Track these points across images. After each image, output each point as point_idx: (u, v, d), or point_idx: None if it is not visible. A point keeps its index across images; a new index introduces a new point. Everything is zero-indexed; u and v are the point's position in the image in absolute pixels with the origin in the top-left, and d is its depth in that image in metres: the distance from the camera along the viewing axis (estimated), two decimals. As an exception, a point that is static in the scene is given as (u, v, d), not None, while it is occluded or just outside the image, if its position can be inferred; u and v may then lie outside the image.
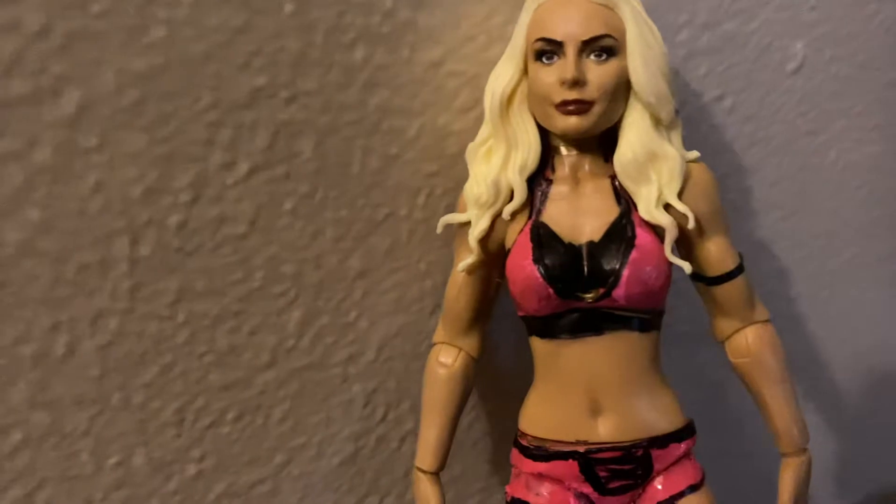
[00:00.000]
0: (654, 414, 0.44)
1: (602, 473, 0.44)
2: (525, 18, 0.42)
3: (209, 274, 0.43)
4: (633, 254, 0.41)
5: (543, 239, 0.42)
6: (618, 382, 0.43)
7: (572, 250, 0.42)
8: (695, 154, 0.44)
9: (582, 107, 0.41)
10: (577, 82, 0.40)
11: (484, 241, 0.44)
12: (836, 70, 0.58)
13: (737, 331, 0.46)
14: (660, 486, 0.45)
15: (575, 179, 0.43)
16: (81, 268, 0.40)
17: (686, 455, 0.45)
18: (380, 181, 0.46)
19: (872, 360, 0.71)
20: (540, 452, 0.45)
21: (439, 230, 0.45)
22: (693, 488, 0.45)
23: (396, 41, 0.43)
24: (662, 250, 0.42)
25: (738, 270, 0.45)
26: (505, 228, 0.44)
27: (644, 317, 0.43)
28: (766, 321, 0.46)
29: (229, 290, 0.44)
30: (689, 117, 0.52)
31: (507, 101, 0.43)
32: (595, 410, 0.43)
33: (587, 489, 0.44)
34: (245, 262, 0.44)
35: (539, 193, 0.44)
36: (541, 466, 0.45)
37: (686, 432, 0.45)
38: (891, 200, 0.65)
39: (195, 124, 0.40)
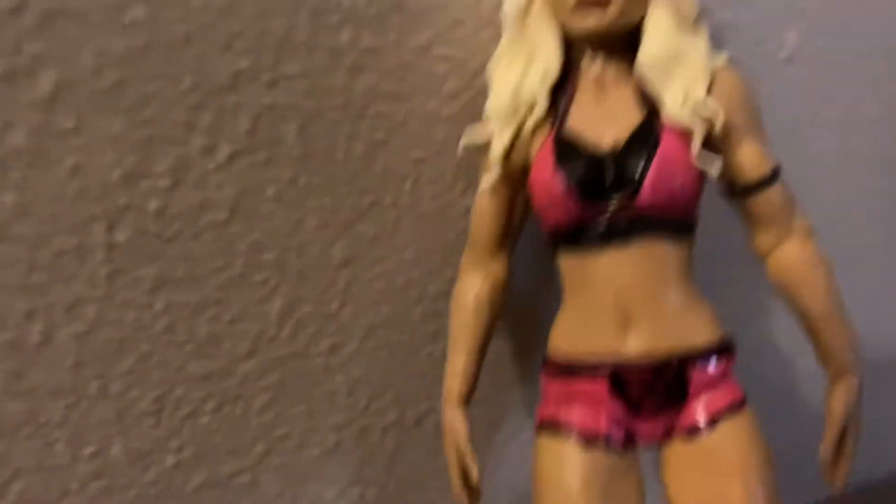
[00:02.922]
0: (687, 327, 0.42)
1: (634, 391, 0.42)
2: None
3: (189, 261, 0.42)
4: (657, 158, 0.39)
5: (565, 149, 0.41)
6: (648, 293, 0.41)
7: (595, 158, 0.40)
8: (723, 57, 0.42)
9: (599, 2, 0.39)
10: None
11: (507, 157, 0.42)
12: (830, 59, 0.57)
13: (778, 245, 0.44)
14: (697, 409, 0.42)
15: (599, 87, 0.42)
16: (58, 254, 0.39)
17: (724, 375, 0.43)
18: (365, 168, 0.45)
19: (871, 353, 0.70)
20: (569, 371, 0.43)
21: (460, 152, 0.44)
22: (733, 408, 0.42)
23: (383, 24, 0.42)
24: (689, 154, 0.40)
25: (775, 176, 0.42)
26: (528, 144, 0.42)
27: (672, 225, 0.41)
28: (809, 233, 0.44)
29: (210, 278, 0.43)
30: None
31: (526, 9, 0.42)
32: (626, 324, 0.41)
33: (619, 409, 0.42)
34: (226, 249, 0.43)
35: (562, 104, 0.42)
36: (571, 386, 0.43)
37: (723, 348, 0.43)
38: (887, 192, 0.64)
39: (176, 107, 0.39)
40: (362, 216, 0.46)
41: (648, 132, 0.40)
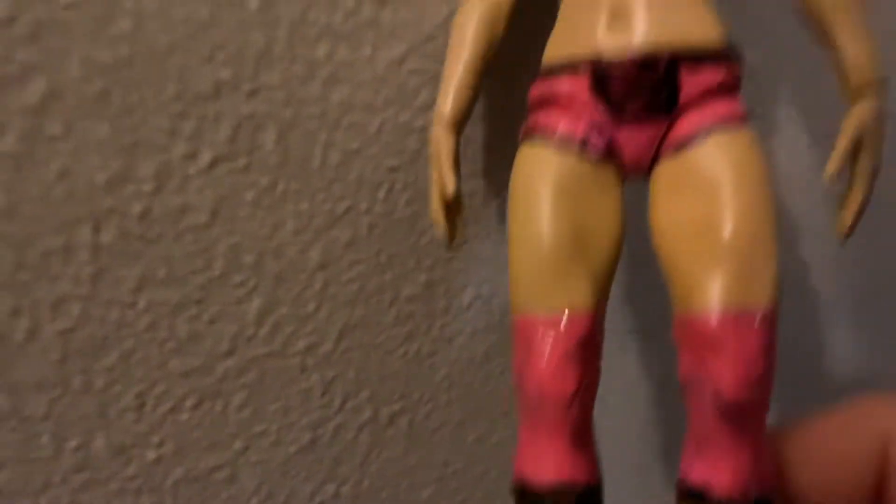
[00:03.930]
0: (684, 22, 0.36)
1: (618, 88, 0.36)
2: None
3: (170, 262, 0.44)
4: None
5: None
6: None
7: None
8: None
9: None
10: None
11: None
12: (785, 76, 0.60)
13: None
14: (687, 120, 0.36)
15: None
16: (44, 253, 0.41)
17: (725, 87, 0.36)
18: (341, 175, 0.47)
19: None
20: (551, 72, 0.38)
21: None
22: (731, 121, 0.35)
23: (359, 38, 0.44)
24: None
25: None
26: None
27: None
28: None
29: (190, 279, 0.45)
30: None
31: None
32: (616, 19, 0.36)
33: (601, 113, 0.37)
34: (206, 251, 0.44)
35: None
36: (552, 87, 0.38)
37: (724, 54, 0.36)
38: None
39: (159, 115, 0.41)
40: (338, 221, 0.48)
41: None
